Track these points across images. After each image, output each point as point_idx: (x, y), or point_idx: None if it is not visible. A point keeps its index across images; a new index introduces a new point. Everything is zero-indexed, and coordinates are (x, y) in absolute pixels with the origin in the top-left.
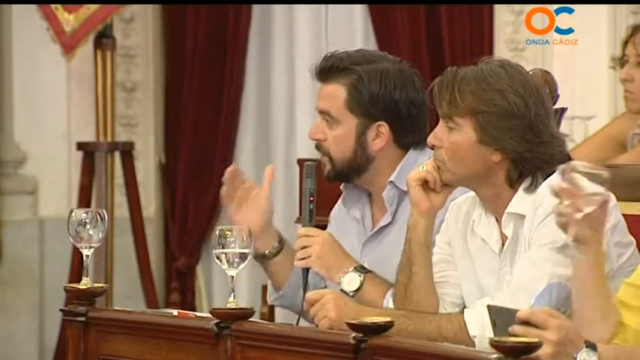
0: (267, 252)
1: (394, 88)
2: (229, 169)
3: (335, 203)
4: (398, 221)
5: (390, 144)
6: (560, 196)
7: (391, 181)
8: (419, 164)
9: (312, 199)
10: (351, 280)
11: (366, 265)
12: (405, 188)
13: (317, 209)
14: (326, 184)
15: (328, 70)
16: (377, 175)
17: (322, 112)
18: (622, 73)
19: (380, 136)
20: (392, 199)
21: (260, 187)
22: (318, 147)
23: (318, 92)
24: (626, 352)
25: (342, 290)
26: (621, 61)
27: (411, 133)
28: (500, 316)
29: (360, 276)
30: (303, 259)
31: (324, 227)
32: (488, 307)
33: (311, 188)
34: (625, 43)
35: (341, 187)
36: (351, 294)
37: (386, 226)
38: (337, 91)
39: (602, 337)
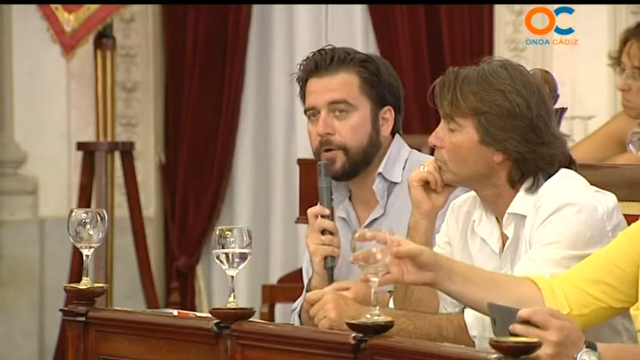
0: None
1: (394, 74)
2: None
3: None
4: (390, 213)
5: (390, 131)
6: None
7: (380, 173)
8: (402, 157)
9: (332, 196)
10: None
11: None
12: (393, 179)
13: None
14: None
15: (336, 61)
16: (375, 167)
17: (335, 103)
18: (619, 83)
19: (387, 121)
20: (382, 192)
21: None
22: (327, 142)
23: (319, 88)
24: (626, 353)
25: None
26: (618, 61)
27: (401, 120)
28: (501, 315)
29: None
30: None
31: None
32: (489, 305)
33: (331, 187)
34: (622, 42)
35: None
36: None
37: (377, 218)
38: (349, 79)
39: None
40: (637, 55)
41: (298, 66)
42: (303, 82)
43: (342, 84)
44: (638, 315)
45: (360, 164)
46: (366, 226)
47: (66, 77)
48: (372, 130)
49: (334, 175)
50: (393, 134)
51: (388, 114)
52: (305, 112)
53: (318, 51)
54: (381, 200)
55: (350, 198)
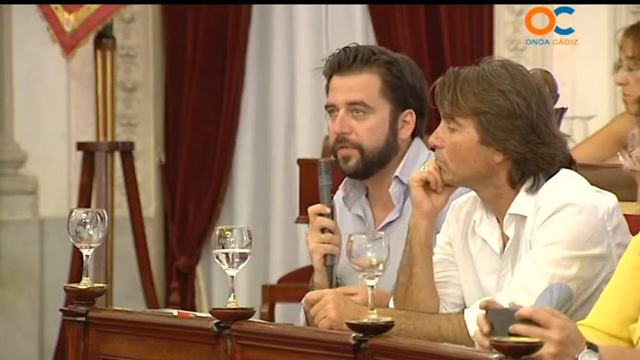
0: None
1: (419, 76)
2: None
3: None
4: (405, 216)
5: (410, 134)
6: None
7: (396, 176)
8: (421, 161)
9: (332, 195)
10: None
11: None
12: None
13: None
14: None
15: (359, 61)
16: (392, 169)
17: (353, 104)
18: (617, 77)
19: (407, 124)
20: (398, 195)
21: None
22: (343, 140)
23: (341, 86)
24: (627, 354)
25: None
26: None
27: (424, 124)
28: (499, 318)
29: None
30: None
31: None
32: (487, 309)
33: (331, 185)
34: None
35: (340, 187)
36: None
37: (392, 221)
38: (371, 80)
39: None
40: (630, 45)
41: (325, 61)
42: (328, 77)
43: (362, 85)
44: (637, 328)
45: (374, 165)
46: (382, 228)
47: (66, 77)
48: (390, 132)
49: (348, 172)
50: (414, 137)
51: (409, 117)
52: (325, 107)
53: (344, 49)
54: (397, 203)
55: (367, 196)
